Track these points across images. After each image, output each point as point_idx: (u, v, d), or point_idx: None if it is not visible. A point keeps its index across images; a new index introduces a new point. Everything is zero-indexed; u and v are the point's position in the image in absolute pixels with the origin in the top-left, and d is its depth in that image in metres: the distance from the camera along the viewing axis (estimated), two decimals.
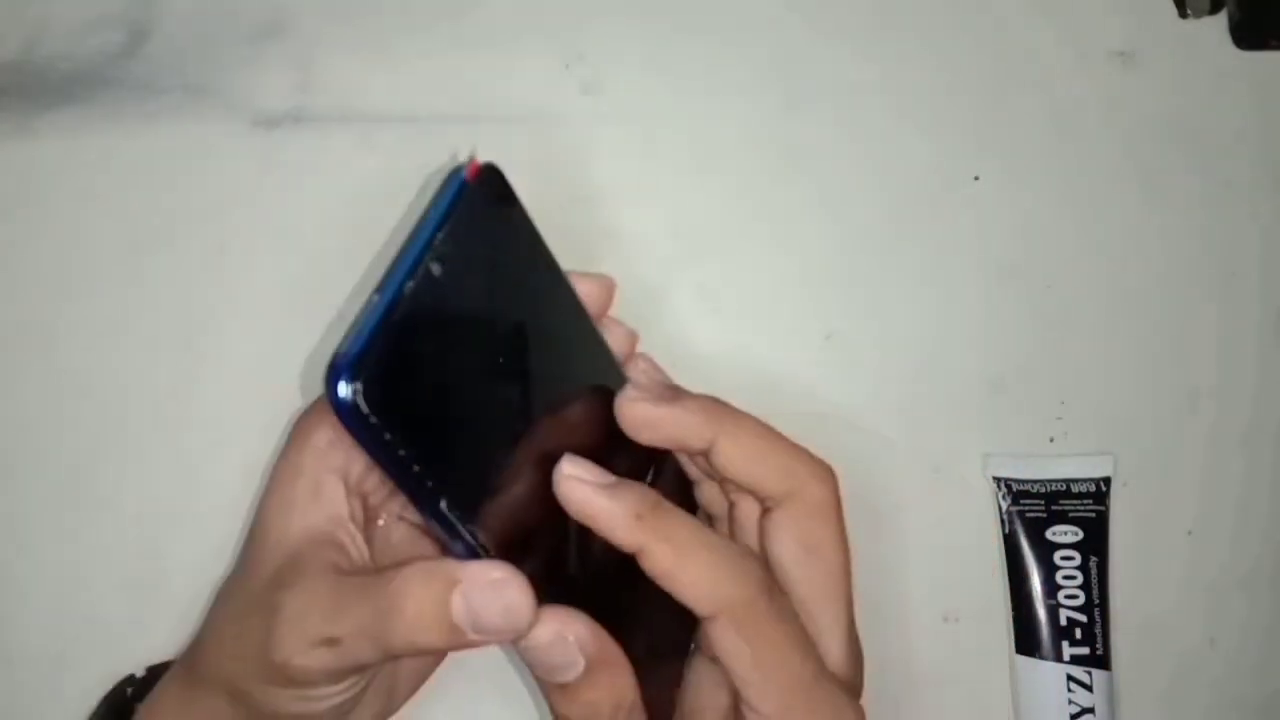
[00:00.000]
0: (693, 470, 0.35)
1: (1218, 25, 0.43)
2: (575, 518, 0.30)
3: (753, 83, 0.42)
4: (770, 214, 0.42)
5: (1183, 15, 0.43)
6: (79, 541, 0.39)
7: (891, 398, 0.41)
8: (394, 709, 0.35)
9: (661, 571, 0.29)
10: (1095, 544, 0.40)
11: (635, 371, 0.34)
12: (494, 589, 0.27)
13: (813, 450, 0.33)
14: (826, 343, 0.41)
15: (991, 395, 0.42)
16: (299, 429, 0.32)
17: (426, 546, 0.33)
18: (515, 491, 0.29)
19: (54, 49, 0.40)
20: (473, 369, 0.29)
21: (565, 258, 0.38)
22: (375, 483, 0.32)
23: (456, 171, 0.29)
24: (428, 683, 0.36)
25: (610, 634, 0.29)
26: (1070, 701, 0.39)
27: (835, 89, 0.42)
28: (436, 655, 0.32)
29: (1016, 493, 0.41)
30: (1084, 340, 0.42)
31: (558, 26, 0.42)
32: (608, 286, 0.35)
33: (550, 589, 0.28)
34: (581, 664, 0.28)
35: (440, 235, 0.28)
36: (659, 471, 0.34)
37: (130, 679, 0.37)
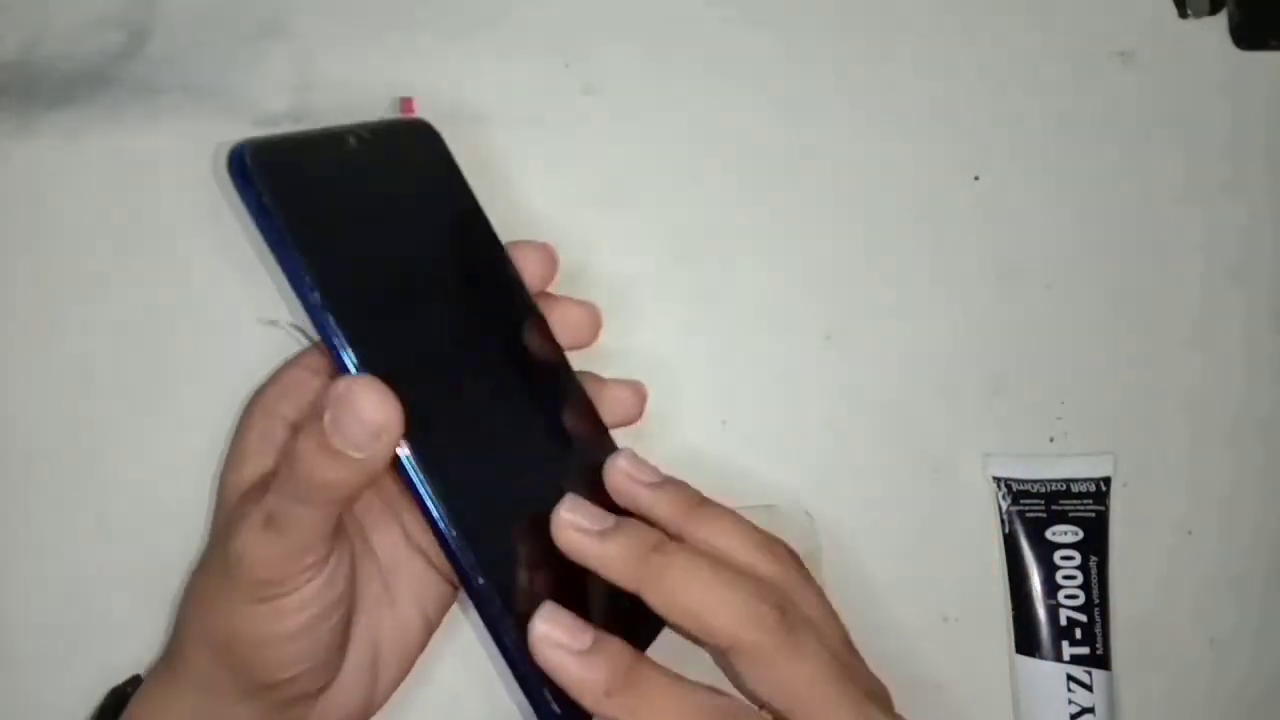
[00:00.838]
0: None
1: (1218, 25, 0.43)
2: (575, 560, 0.31)
3: (753, 83, 0.42)
4: (770, 214, 0.42)
5: (1183, 15, 0.43)
6: (78, 541, 0.39)
7: (891, 398, 0.41)
8: (379, 698, 0.35)
9: (668, 611, 0.30)
10: (1095, 544, 0.40)
11: (607, 471, 0.34)
12: (346, 398, 0.28)
13: (773, 535, 0.33)
14: (826, 343, 0.41)
15: (991, 395, 0.42)
16: (251, 400, 0.35)
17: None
18: (399, 325, 0.31)
19: (54, 49, 0.40)
20: (367, 223, 0.32)
21: (563, 257, 0.38)
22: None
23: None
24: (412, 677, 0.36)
25: (478, 466, 0.31)
26: (1070, 701, 0.39)
27: (835, 89, 0.42)
28: (350, 496, 0.31)
29: (1016, 493, 0.41)
30: (1084, 340, 0.42)
31: (558, 26, 0.42)
32: (548, 255, 0.37)
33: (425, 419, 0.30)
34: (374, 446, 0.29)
35: (367, 133, 0.33)
36: None
37: (135, 679, 0.37)
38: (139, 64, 0.40)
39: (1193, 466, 0.42)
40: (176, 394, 0.40)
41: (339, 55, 0.41)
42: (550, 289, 0.37)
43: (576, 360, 0.37)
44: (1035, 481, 0.41)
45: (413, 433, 0.29)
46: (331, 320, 0.29)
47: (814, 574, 0.34)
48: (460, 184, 0.36)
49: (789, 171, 0.42)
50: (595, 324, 0.37)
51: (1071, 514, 0.40)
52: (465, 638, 0.39)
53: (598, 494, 0.33)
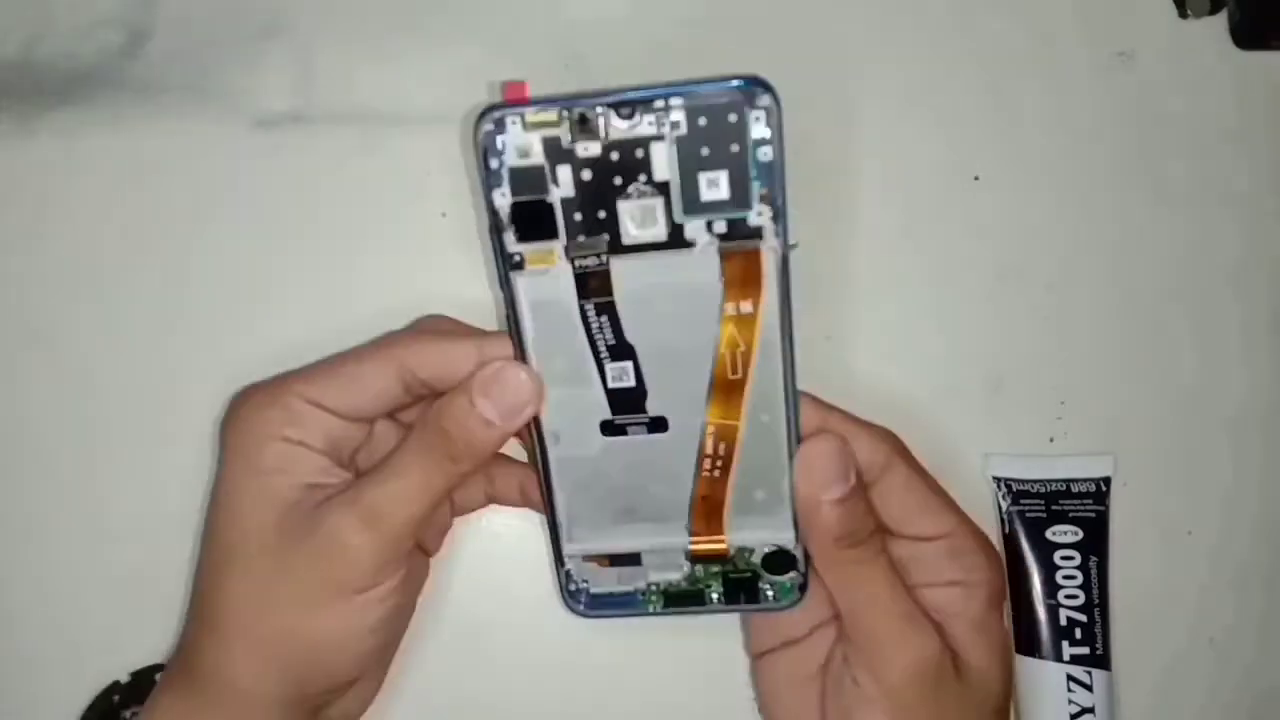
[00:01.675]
0: None
1: (1218, 25, 0.43)
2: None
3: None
4: None
5: (1183, 15, 0.43)
6: (78, 541, 0.39)
7: (892, 398, 0.41)
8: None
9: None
10: (1095, 544, 0.40)
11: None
12: (497, 375, 0.32)
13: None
14: (827, 343, 0.41)
15: (991, 395, 0.42)
16: (244, 421, 0.34)
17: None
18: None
19: (54, 49, 0.40)
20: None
21: None
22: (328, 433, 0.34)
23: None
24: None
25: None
26: (1070, 701, 0.39)
27: (835, 88, 0.42)
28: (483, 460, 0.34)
29: (1016, 493, 0.41)
30: (1084, 340, 0.42)
31: (557, 26, 0.41)
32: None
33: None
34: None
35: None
36: None
37: (115, 685, 0.37)
38: (139, 64, 0.40)
39: (1193, 466, 0.42)
40: (177, 394, 0.40)
41: (339, 55, 0.41)
42: None
43: None
44: (1035, 481, 0.41)
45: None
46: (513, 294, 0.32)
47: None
48: None
49: (788, 171, 0.42)
50: None
51: (1071, 514, 0.40)
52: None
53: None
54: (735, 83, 0.30)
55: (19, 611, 0.39)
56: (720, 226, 0.31)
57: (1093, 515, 0.40)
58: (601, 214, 0.31)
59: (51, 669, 0.38)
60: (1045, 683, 0.39)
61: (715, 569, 0.36)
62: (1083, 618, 0.40)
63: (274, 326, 0.40)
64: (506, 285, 0.32)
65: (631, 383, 0.33)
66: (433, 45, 0.41)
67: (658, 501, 0.35)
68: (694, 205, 0.31)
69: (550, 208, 0.31)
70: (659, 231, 0.31)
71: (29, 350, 0.40)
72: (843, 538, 0.32)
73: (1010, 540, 0.41)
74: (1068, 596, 0.40)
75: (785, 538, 0.35)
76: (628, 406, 0.34)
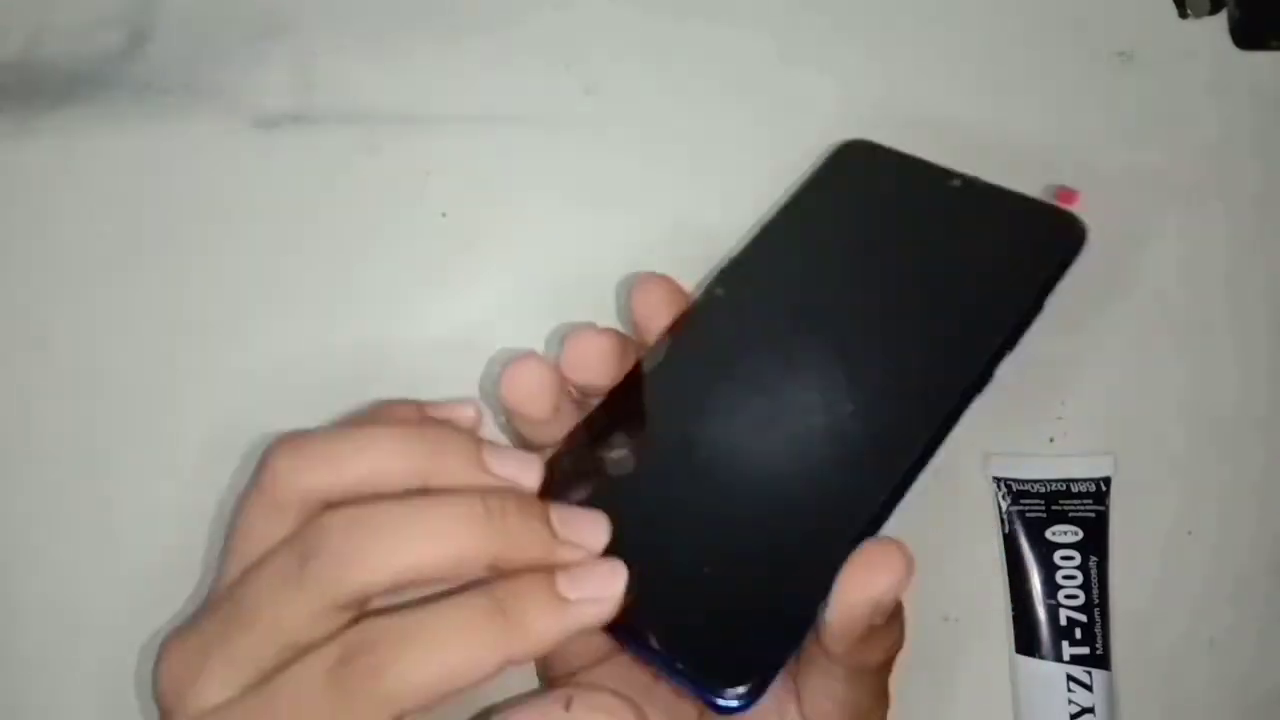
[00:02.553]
0: None
1: (1218, 25, 0.43)
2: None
3: (754, 83, 0.42)
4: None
5: (1183, 15, 0.43)
6: (78, 541, 0.39)
7: None
8: None
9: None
10: (1095, 544, 0.40)
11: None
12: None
13: None
14: None
15: (991, 395, 0.42)
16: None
17: None
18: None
19: (54, 49, 0.40)
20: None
21: (562, 258, 0.38)
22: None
23: None
24: None
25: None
26: (1070, 701, 0.39)
27: (835, 89, 0.42)
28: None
29: (1016, 493, 0.41)
30: (1084, 340, 0.42)
31: (559, 26, 0.42)
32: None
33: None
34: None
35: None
36: None
37: None
38: (139, 64, 0.40)
39: (1192, 467, 0.42)
40: (177, 394, 0.40)
41: (339, 55, 0.41)
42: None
43: None
44: (1035, 481, 0.41)
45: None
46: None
47: None
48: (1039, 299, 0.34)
49: (789, 171, 0.42)
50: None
51: (1071, 514, 0.40)
52: None
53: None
54: None
55: (19, 611, 0.39)
56: None
57: (1093, 515, 0.40)
58: None
59: (51, 669, 0.38)
60: (1045, 683, 0.39)
61: None
62: (1083, 618, 0.40)
63: (274, 326, 0.40)
64: None
65: None
66: (433, 45, 0.41)
67: None
68: None
69: None
70: None
71: (29, 350, 0.40)
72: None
73: (1010, 540, 0.41)
74: (1068, 596, 0.40)
75: None
76: None
